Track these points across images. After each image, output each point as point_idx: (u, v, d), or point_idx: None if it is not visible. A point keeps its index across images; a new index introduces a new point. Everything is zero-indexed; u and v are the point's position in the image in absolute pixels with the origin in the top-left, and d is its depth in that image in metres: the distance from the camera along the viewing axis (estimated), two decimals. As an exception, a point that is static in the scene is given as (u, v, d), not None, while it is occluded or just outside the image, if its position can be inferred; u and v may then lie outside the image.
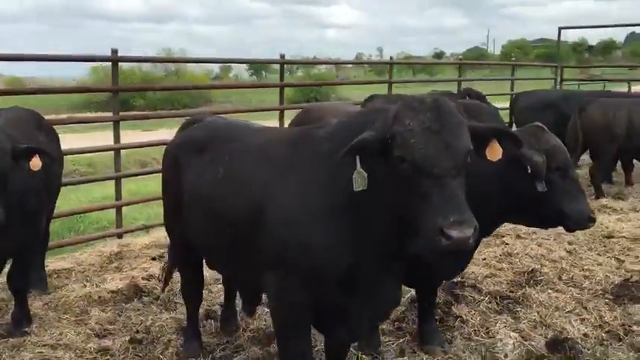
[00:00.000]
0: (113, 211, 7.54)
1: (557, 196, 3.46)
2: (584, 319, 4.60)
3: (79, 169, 13.63)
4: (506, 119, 10.47)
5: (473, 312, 4.66)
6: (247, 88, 29.97)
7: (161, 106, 35.50)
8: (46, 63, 11.10)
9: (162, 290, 4.81)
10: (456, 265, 3.92)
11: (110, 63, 6.79)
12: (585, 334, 4.34)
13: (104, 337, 4.52)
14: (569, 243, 6.55)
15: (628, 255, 6.25)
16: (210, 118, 4.04)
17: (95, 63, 22.09)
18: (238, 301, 4.56)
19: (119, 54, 6.73)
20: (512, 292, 5.07)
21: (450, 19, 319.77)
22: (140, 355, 4.21)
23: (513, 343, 4.17)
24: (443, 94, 7.74)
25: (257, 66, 61.38)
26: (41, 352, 4.14)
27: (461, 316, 4.57)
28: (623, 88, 16.86)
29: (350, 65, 62.99)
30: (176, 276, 5.61)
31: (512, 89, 13.25)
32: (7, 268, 4.59)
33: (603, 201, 8.47)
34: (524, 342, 4.21)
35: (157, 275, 5.64)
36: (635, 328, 4.42)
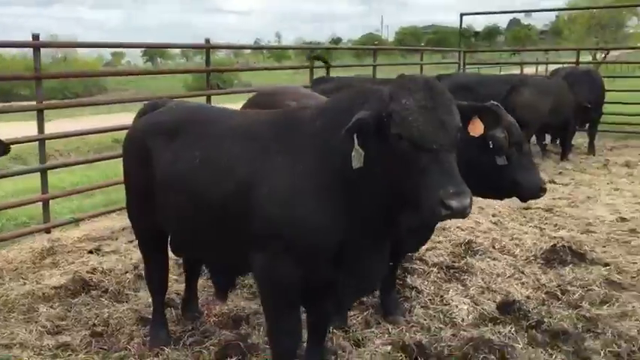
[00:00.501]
0: (32, 206, 7.19)
1: (514, 169, 3.75)
2: (523, 283, 4.99)
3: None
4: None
5: (425, 282, 4.93)
6: (145, 75, 28.82)
7: (51, 96, 33.69)
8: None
9: None
10: (421, 239, 4.14)
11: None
12: (528, 297, 4.72)
13: (58, 333, 4.37)
14: (493, 215, 7.04)
15: (547, 224, 6.80)
16: (173, 102, 3.99)
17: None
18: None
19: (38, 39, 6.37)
20: (455, 262, 5.39)
21: (346, 5, 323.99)
22: (105, 348, 4.11)
23: (467, 308, 4.48)
24: (366, 79, 7.98)
25: (152, 52, 59.38)
26: (-4, 353, 3.96)
27: (416, 287, 4.82)
28: (515, 71, 17.98)
29: (249, 51, 62.77)
30: (121, 268, 5.57)
31: (421, 73, 13.78)
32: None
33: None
34: (477, 307, 4.53)
35: (102, 269, 5.51)
36: (569, 288, 4.86)
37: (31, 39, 6.38)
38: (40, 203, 6.83)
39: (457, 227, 6.39)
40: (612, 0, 32.39)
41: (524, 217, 7.10)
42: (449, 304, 4.55)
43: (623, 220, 6.87)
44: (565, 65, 13.57)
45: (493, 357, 3.75)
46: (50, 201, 6.95)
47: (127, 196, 4.05)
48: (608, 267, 5.28)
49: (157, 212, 3.67)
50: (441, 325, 4.23)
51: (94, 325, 4.43)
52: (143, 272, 5.31)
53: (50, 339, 4.24)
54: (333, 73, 10.68)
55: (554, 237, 6.17)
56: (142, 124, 3.82)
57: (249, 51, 72.60)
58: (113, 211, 7.58)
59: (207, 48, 8.47)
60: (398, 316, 4.35)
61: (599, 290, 4.77)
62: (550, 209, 7.34)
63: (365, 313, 4.39)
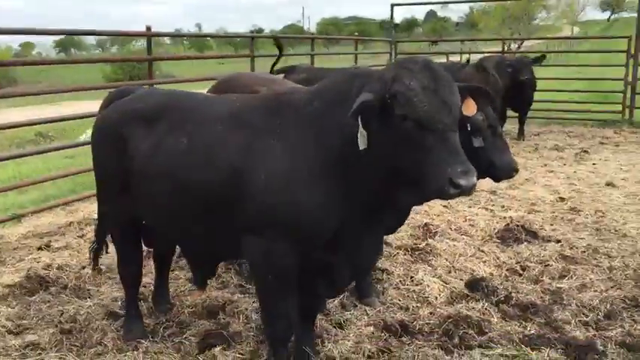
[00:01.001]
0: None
1: (489, 150, 3.88)
2: (485, 261, 5.18)
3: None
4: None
5: (394, 264, 5.03)
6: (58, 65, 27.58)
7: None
8: None
9: (93, 269, 4.47)
10: (401, 222, 4.22)
11: None
12: (491, 274, 4.91)
13: (20, 333, 4.15)
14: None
15: (494, 205, 7.07)
16: (144, 89, 3.86)
17: None
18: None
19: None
20: (417, 244, 5.52)
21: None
22: (77, 344, 3.94)
23: (438, 287, 4.61)
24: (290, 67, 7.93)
25: (66, 43, 56.87)
26: (-39, 355, 3.73)
27: (386, 269, 4.91)
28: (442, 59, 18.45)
29: (168, 42, 61.46)
30: (77, 263, 5.35)
31: (355, 62, 13.97)
32: None
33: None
34: (446, 285, 4.67)
35: (56, 265, 5.28)
36: (528, 264, 5.09)
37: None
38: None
39: (412, 210, 6.52)
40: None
41: (471, 199, 7.32)
42: (420, 283, 4.66)
43: (562, 199, 7.24)
44: (489, 54, 14.04)
45: (472, 331, 3.90)
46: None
47: (98, 188, 3.90)
48: (560, 243, 5.57)
49: (135, 203, 3.55)
50: (418, 304, 4.33)
51: (60, 322, 4.25)
52: (103, 267, 5.22)
53: (14, 339, 4.03)
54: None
55: (504, 217, 6.43)
56: (114, 112, 3.65)
57: (168, 42, 71.08)
58: (57, 206, 7.26)
59: (149, 36, 8.21)
60: (373, 298, 4.41)
61: (557, 265, 5.03)
62: (494, 191, 7.61)
63: (340, 297, 4.42)
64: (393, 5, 15.52)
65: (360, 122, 2.67)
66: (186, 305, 4.44)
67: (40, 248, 5.86)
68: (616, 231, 5.94)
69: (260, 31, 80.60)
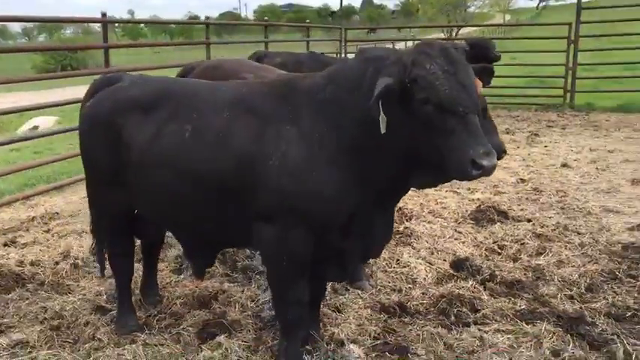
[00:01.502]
0: None
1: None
2: (464, 242, 5.33)
3: None
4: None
5: (379, 248, 5.09)
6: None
7: None
8: None
9: (101, 273, 4.28)
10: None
11: None
12: (471, 254, 5.05)
13: (3, 332, 3.99)
14: (409, 183, 7.35)
15: (459, 188, 7.23)
16: (130, 76, 3.73)
17: None
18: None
19: None
20: (396, 227, 5.59)
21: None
22: (69, 340, 3.83)
23: (424, 269, 4.71)
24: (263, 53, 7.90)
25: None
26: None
27: (372, 253, 4.97)
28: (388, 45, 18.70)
29: (99, 30, 59.62)
30: (49, 259, 5.17)
31: (307, 49, 13.90)
32: None
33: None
34: (432, 266, 4.78)
35: (29, 261, 5.09)
36: (505, 243, 5.27)
37: None
38: None
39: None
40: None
41: (437, 183, 7.49)
42: (407, 266, 4.75)
43: (523, 181, 7.51)
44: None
45: (465, 309, 4.02)
46: None
47: (88, 179, 3.77)
48: (531, 222, 5.78)
49: (129, 193, 3.46)
50: (409, 286, 4.42)
51: (46, 319, 4.12)
52: (79, 262, 5.07)
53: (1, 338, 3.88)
54: (227, 51, 10.47)
55: (472, 199, 6.62)
56: (106, 100, 3.51)
57: (99, 30, 68.78)
58: (15, 201, 6.97)
59: (104, 22, 7.94)
60: (363, 282, 4.47)
61: (532, 243, 5.23)
62: (457, 175, 7.77)
63: (330, 282, 4.45)
64: (342, -8, 15.56)
65: (381, 107, 2.69)
66: (176, 296, 4.37)
67: (5, 245, 5.64)
68: (580, 209, 6.21)
69: (196, 18, 79.19)
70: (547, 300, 4.14)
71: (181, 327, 3.91)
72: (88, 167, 3.69)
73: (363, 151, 2.88)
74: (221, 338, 3.64)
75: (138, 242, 4.18)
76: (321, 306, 4.05)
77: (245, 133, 3.03)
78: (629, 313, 3.89)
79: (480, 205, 6.16)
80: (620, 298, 4.12)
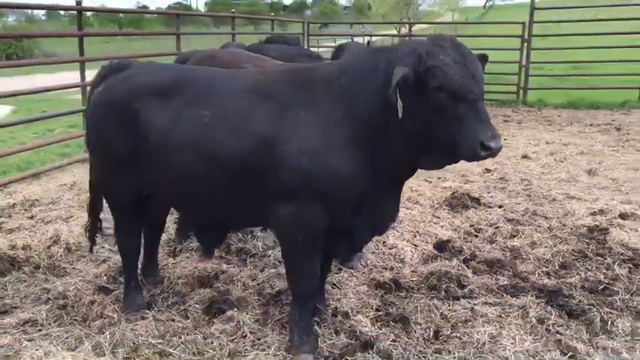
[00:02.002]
0: None
1: None
2: (442, 226, 5.66)
3: None
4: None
5: (365, 231, 5.36)
6: None
7: None
8: None
9: (90, 250, 4.43)
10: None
11: None
12: (451, 237, 5.37)
13: (7, 312, 4.07)
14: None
15: (430, 176, 7.56)
16: (139, 62, 3.86)
17: None
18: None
19: None
20: (377, 213, 5.88)
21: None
22: (78, 318, 3.95)
23: (410, 250, 5.01)
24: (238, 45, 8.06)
25: None
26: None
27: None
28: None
29: (43, 18, 58.10)
30: (38, 243, 5.21)
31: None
32: None
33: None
34: (417, 248, 5.08)
35: (20, 245, 5.14)
36: (481, 227, 5.62)
37: None
38: None
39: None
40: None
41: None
42: (394, 247, 5.03)
43: (489, 171, 7.91)
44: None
45: (453, 285, 4.32)
46: None
47: (100, 163, 3.86)
48: (502, 208, 6.16)
49: (143, 175, 3.60)
50: (399, 265, 4.70)
51: (49, 299, 4.21)
52: (72, 246, 5.14)
53: (5, 318, 3.96)
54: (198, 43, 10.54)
55: (444, 187, 6.97)
56: (120, 86, 3.63)
57: (44, 18, 66.85)
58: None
59: (79, 10, 7.92)
60: (354, 262, 4.72)
61: (506, 226, 5.60)
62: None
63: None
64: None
65: (397, 94, 2.94)
66: (177, 277, 4.52)
67: (-10, 229, 5.64)
68: (545, 197, 6.64)
69: (145, 7, 77.82)
70: (526, 276, 4.49)
71: (187, 304, 4.08)
72: (100, 150, 3.80)
73: (376, 135, 3.13)
74: (232, 313, 3.83)
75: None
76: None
77: (264, 117, 3.23)
78: (602, 287, 4.28)
79: (454, 193, 6.51)
80: (591, 274, 4.50)
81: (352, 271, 4.62)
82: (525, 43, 14.67)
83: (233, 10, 15.71)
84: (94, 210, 4.22)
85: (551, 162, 8.45)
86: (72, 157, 8.66)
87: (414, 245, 5.12)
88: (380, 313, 3.88)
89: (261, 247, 5.11)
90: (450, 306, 4.01)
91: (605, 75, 15.75)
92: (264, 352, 3.46)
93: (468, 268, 4.66)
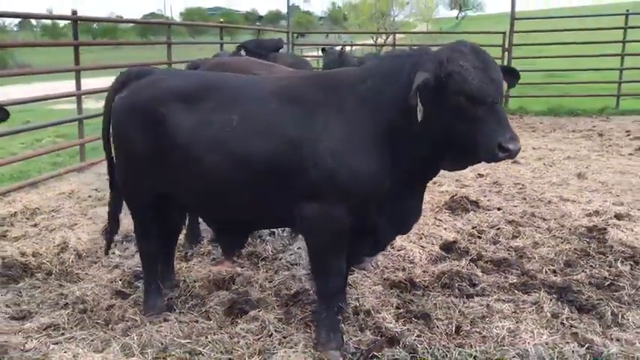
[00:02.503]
0: None
1: None
2: (445, 228, 5.79)
3: None
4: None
5: (373, 234, 5.47)
6: None
7: None
8: None
9: (106, 252, 4.47)
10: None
11: None
12: (456, 238, 5.50)
13: (26, 317, 4.09)
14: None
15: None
16: (159, 69, 3.94)
17: None
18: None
19: None
20: (381, 217, 6.00)
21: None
22: (100, 322, 3.98)
23: (418, 251, 5.12)
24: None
25: None
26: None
27: (368, 238, 5.34)
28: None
29: (16, 29, 57.52)
30: (47, 250, 5.21)
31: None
32: None
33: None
34: (424, 249, 5.20)
35: (30, 252, 5.13)
36: (482, 228, 5.77)
37: None
38: None
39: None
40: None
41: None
42: (402, 249, 5.14)
43: (481, 175, 8.08)
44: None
45: (465, 284, 4.45)
46: None
47: (123, 166, 3.91)
48: (501, 210, 6.33)
49: (166, 178, 3.67)
50: (410, 265, 4.82)
51: (67, 304, 4.24)
52: (82, 253, 5.16)
53: (25, 323, 3.98)
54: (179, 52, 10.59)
55: (441, 191, 7.12)
56: (146, 91, 3.70)
57: (16, 28, 66.25)
58: (-10, 197, 6.90)
59: (75, 20, 7.94)
60: (365, 263, 4.82)
61: (507, 228, 5.75)
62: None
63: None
64: (289, -3, 15.92)
65: (418, 98, 3.06)
66: (193, 280, 4.57)
67: (-6, 237, 5.63)
68: (540, 199, 6.82)
69: (120, 17, 77.44)
70: (534, 274, 4.64)
71: (208, 306, 4.13)
72: (125, 155, 3.85)
73: (400, 137, 3.26)
74: (256, 312, 3.90)
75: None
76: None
77: (292, 119, 3.34)
78: (607, 283, 4.44)
79: (453, 196, 6.65)
80: (596, 271, 4.67)
81: (364, 272, 4.72)
82: (506, 52, 15.00)
83: (219, 20, 15.78)
84: (113, 211, 4.26)
85: (540, 167, 8.67)
86: (67, 167, 8.63)
87: (421, 247, 5.24)
88: (401, 310, 3.99)
89: (272, 251, 5.18)
90: (465, 303, 4.12)
91: (581, 83, 16.19)
92: (293, 350, 3.53)
93: (477, 267, 4.79)
